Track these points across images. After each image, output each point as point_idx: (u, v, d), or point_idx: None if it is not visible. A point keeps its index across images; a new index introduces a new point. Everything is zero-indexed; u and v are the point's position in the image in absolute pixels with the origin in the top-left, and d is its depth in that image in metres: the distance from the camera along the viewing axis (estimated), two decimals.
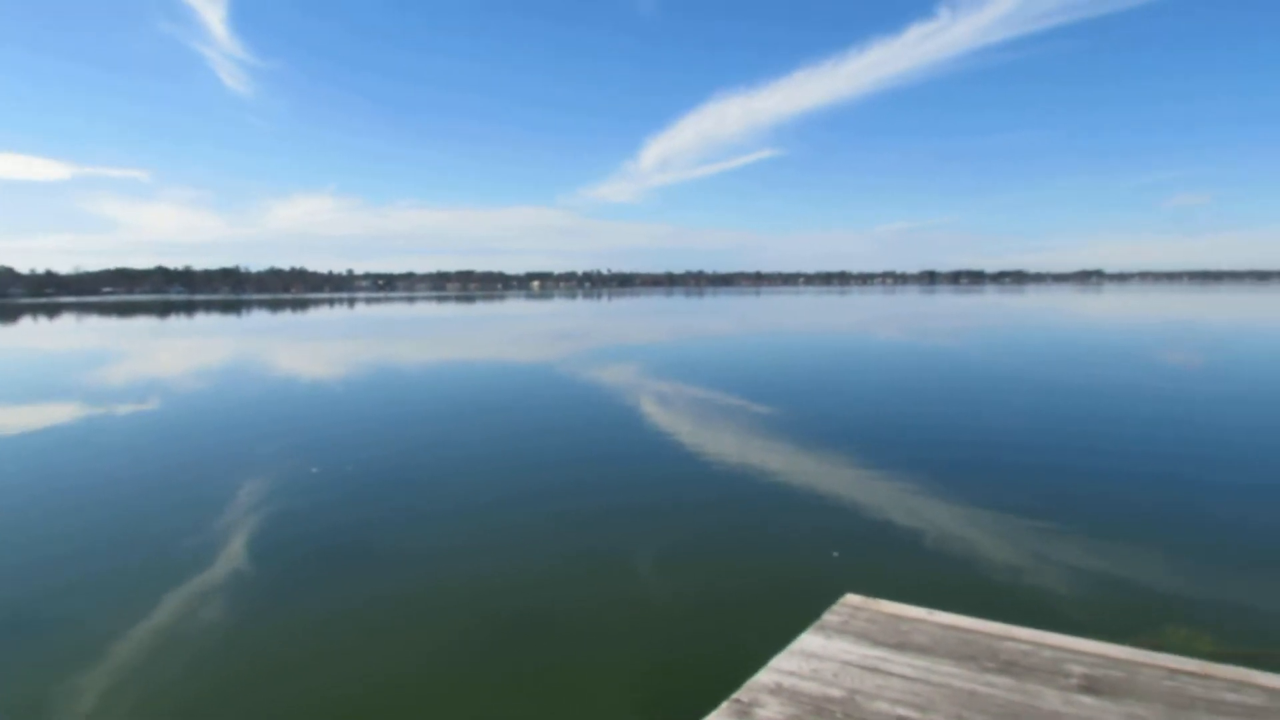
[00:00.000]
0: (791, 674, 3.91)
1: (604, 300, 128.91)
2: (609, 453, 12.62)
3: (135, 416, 16.62)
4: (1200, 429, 13.78)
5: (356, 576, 7.45)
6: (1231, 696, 3.68)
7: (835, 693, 3.72)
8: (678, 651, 5.79)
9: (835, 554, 7.54)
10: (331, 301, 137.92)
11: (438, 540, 8.45)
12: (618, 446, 13.12)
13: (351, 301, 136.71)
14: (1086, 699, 3.65)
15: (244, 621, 6.50)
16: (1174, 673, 3.91)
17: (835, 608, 4.71)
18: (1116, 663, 4.01)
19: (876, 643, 4.23)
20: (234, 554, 7.97)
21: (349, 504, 9.80)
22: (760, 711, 3.59)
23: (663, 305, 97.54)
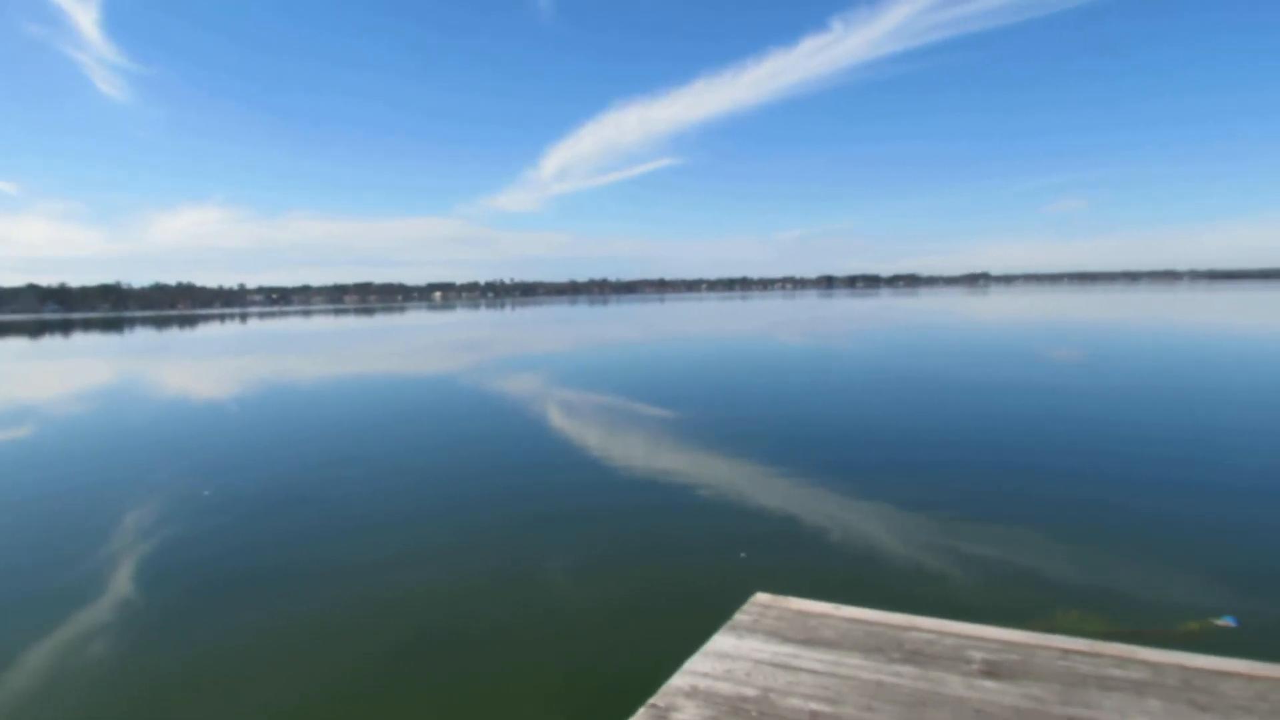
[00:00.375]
0: (706, 675, 3.94)
1: (508, 310, 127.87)
2: (518, 464, 12.50)
3: (5, 446, 15.64)
4: (1084, 422, 14.48)
5: (255, 601, 7.17)
6: (1118, 672, 3.88)
7: (749, 691, 3.77)
8: (594, 659, 5.77)
9: (743, 555, 7.64)
10: (223, 317, 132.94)
11: (342, 558, 8.21)
12: (527, 457, 13.00)
13: (244, 317, 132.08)
14: (988, 683, 3.79)
15: (131, 657, 6.17)
16: (1066, 653, 4.09)
17: (745, 607, 4.77)
18: (1014, 646, 4.18)
19: (786, 639, 4.31)
20: (120, 585, 7.58)
21: (246, 526, 9.44)
22: (677, 715, 3.60)
23: (568, 314, 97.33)
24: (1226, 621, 5.77)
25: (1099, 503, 9.16)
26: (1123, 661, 3.99)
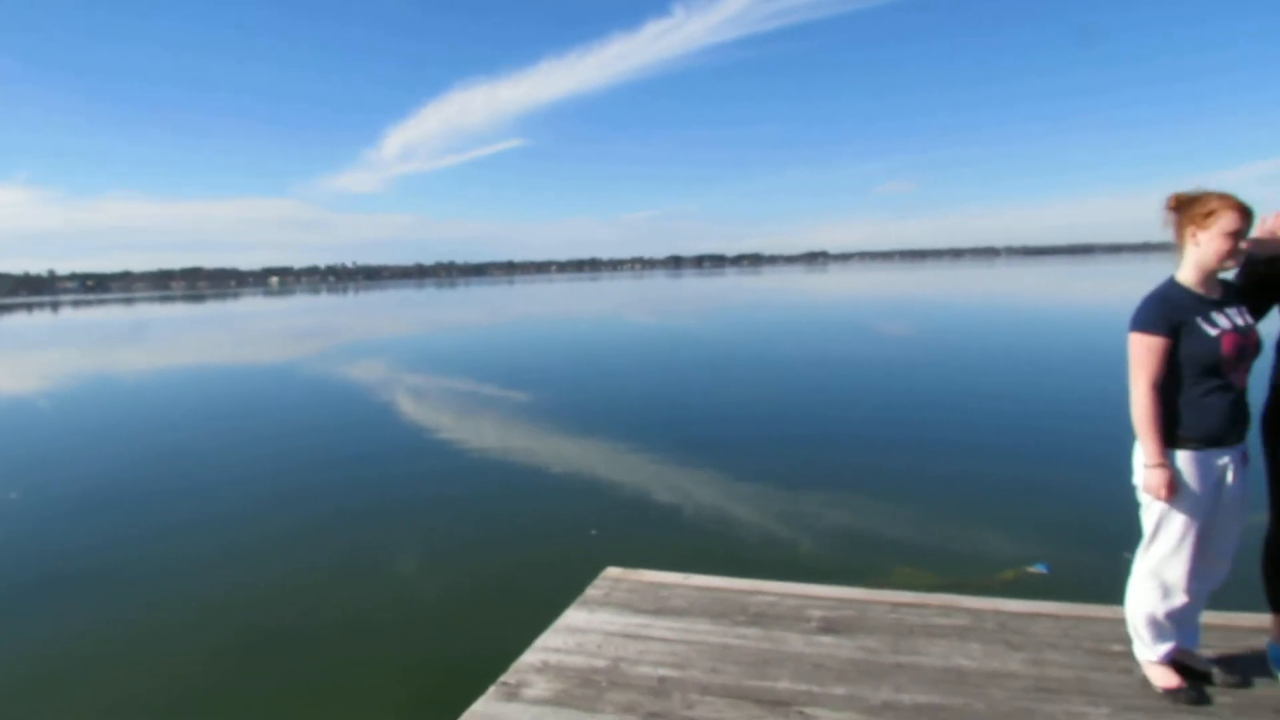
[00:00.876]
0: (557, 650, 3.96)
1: (351, 295, 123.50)
2: (364, 452, 12.12)
3: None
4: (911, 392, 15.37)
5: (75, 606, 6.65)
6: (942, 620, 4.15)
7: (600, 663, 3.81)
8: (445, 645, 5.70)
9: (593, 532, 7.71)
10: (29, 307, 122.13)
11: (172, 557, 7.73)
12: (373, 445, 12.62)
13: (55, 306, 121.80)
14: (825, 638, 3.98)
15: None
16: (897, 606, 4.34)
17: (597, 582, 4.81)
18: (850, 603, 4.40)
19: (637, 610, 4.38)
20: None
21: (62, 528, 8.74)
22: (528, 691, 3.60)
23: (415, 298, 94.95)
24: (1039, 569, 6.29)
25: (927, 467, 9.76)
26: (947, 610, 4.27)
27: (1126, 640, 3.58)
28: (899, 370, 18.29)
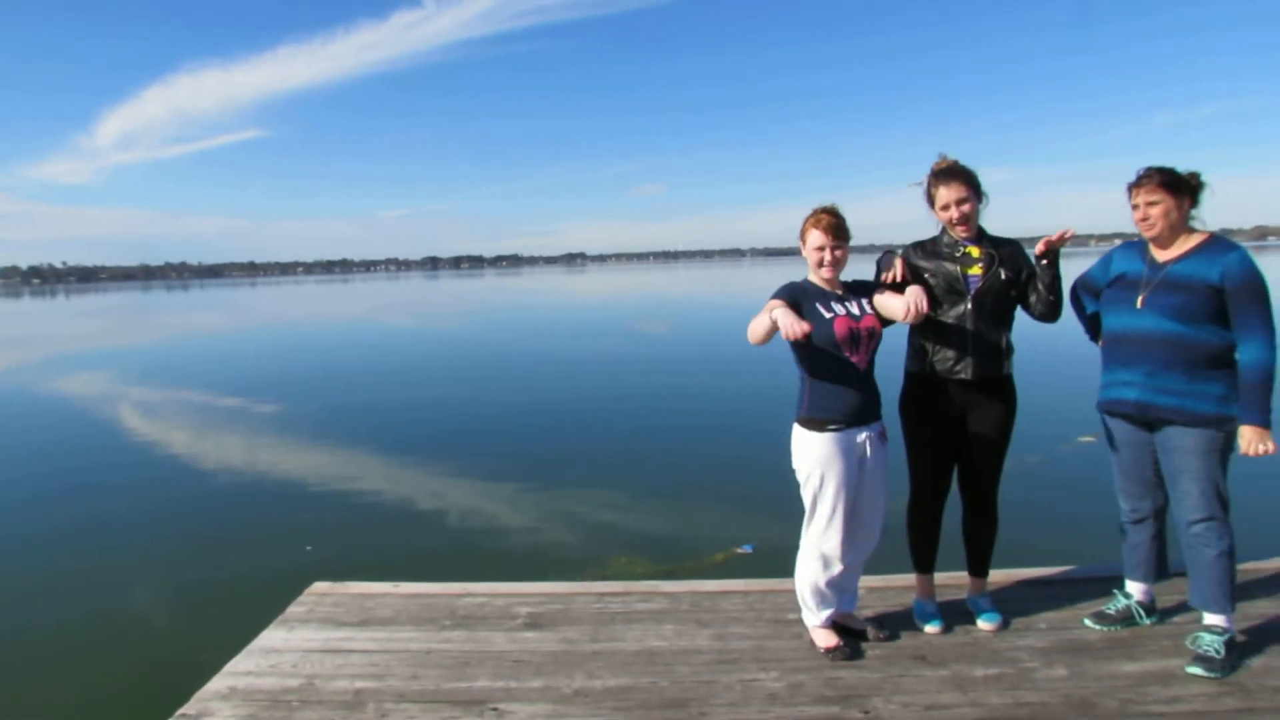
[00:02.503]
0: (247, 674, 3.76)
1: (61, 299, 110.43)
2: (68, 466, 10.87)
3: None
4: (655, 387, 16.00)
5: None
6: (643, 605, 4.35)
7: (293, 682, 3.66)
8: (132, 676, 5.23)
9: (309, 547, 7.38)
10: None
11: None
12: (80, 460, 11.35)
13: None
14: (528, 634, 4.05)
15: None
16: (601, 596, 4.50)
17: (300, 598, 4.62)
18: (557, 597, 4.51)
19: (341, 624, 4.24)
20: None
21: None
22: None
23: (140, 302, 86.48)
24: (746, 549, 6.76)
25: (655, 458, 10.21)
26: (648, 596, 4.49)
27: (800, 609, 3.92)
28: (638, 366, 18.98)
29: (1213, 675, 3.37)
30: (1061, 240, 3.66)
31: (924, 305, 3.44)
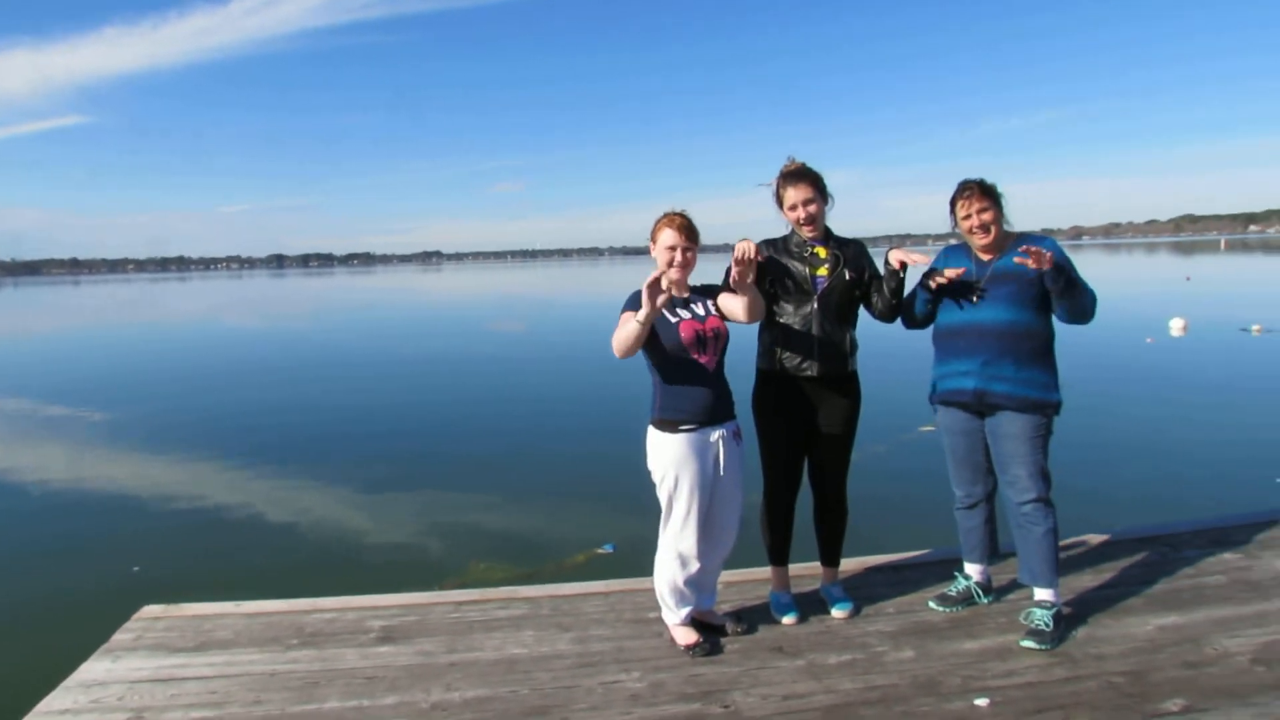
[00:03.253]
0: (64, 713, 3.44)
1: None
2: None
3: None
4: (518, 389, 15.81)
5: None
6: (502, 613, 4.26)
7: (119, 718, 3.38)
8: None
9: (136, 568, 6.87)
10: None
11: None
12: None
13: None
14: (383, 648, 3.90)
15: None
16: (459, 605, 4.38)
17: (127, 624, 4.27)
18: (412, 609, 4.35)
19: (175, 650, 3.95)
20: None
21: None
22: None
23: None
24: (606, 549, 6.75)
25: (514, 460, 10.08)
26: (507, 602, 4.40)
27: (660, 608, 3.93)
28: (494, 367, 18.75)
29: (1044, 647, 3.60)
30: (908, 265, 3.87)
31: (751, 251, 3.54)
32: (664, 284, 3.56)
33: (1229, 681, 3.29)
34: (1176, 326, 20.85)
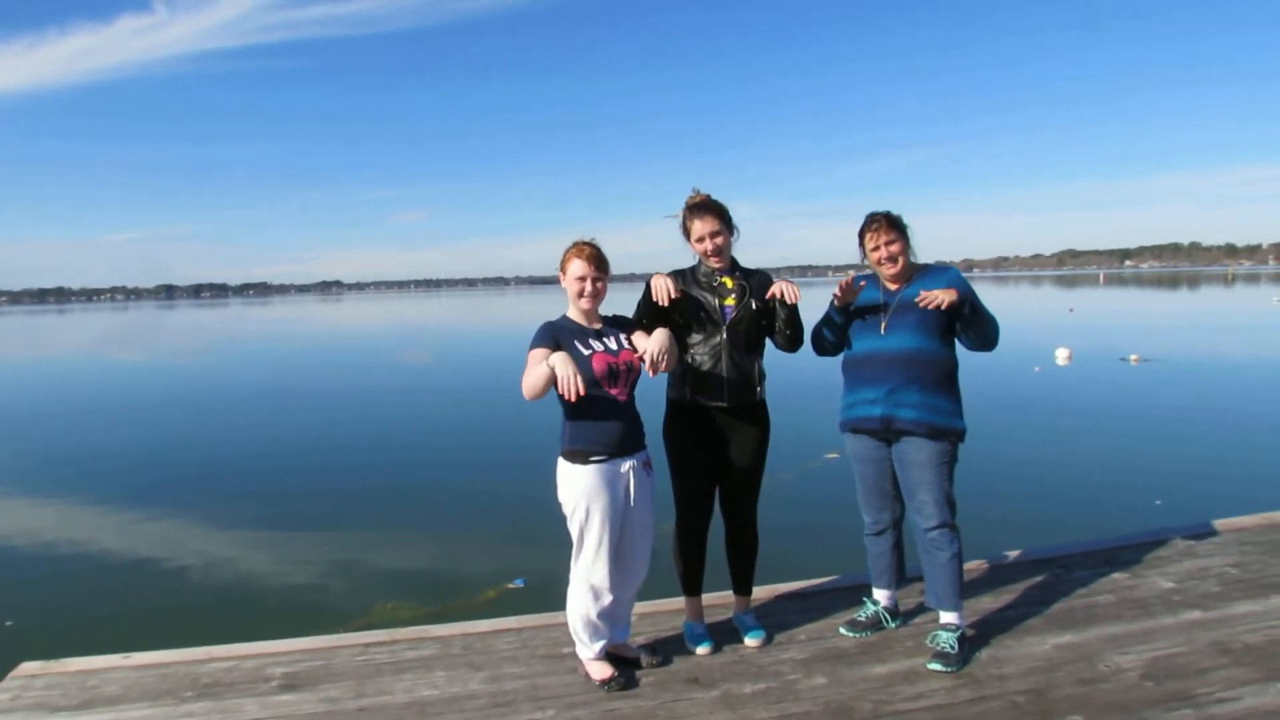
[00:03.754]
0: None
1: None
2: None
3: None
4: (426, 421, 15.48)
5: None
6: (411, 653, 4.14)
7: None
8: None
9: (9, 623, 6.43)
10: None
11: None
12: None
13: None
14: (285, 696, 3.73)
15: None
16: (366, 647, 4.24)
17: (2, 685, 3.98)
18: (317, 653, 4.19)
19: (56, 710, 3.70)
20: None
21: None
22: None
23: None
24: (518, 584, 6.65)
25: (418, 494, 9.88)
26: (417, 643, 4.27)
27: (573, 643, 3.87)
28: (399, 398, 18.36)
29: (949, 669, 3.69)
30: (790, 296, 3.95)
31: (663, 364, 3.59)
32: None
33: (1121, 697, 3.43)
34: (1062, 356, 21.91)
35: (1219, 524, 5.60)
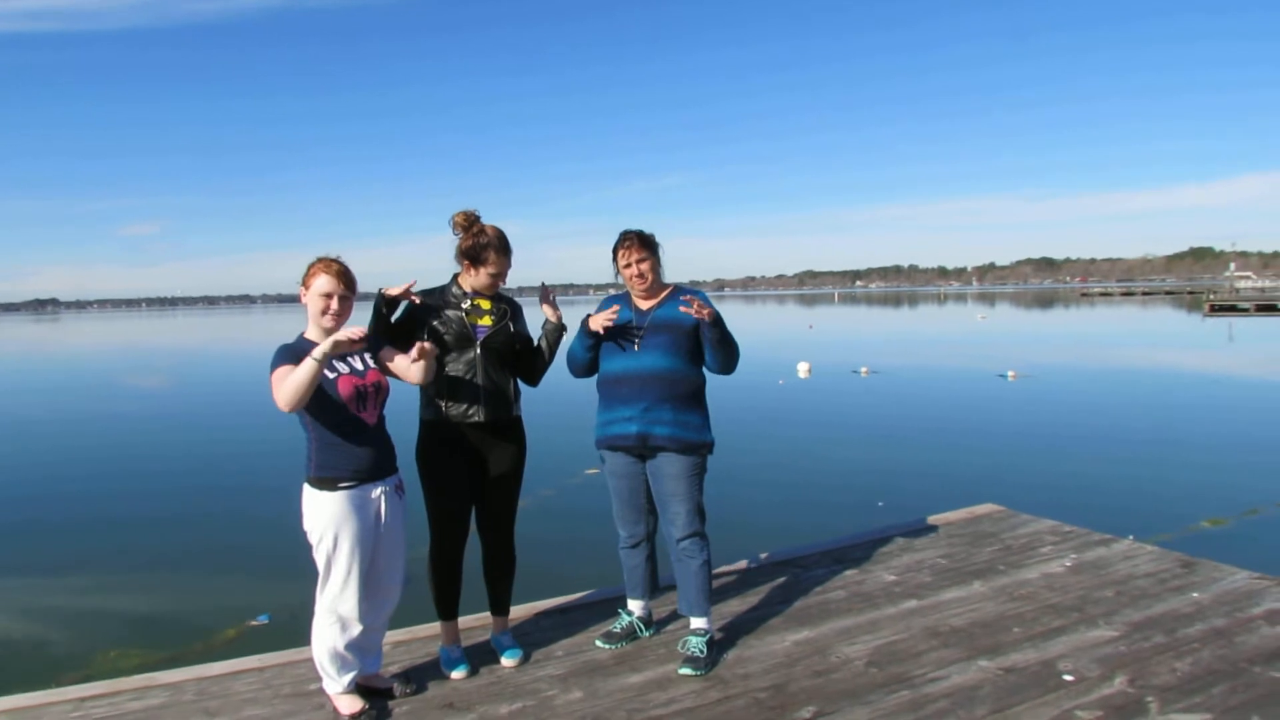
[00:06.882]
0: None
1: None
2: None
3: None
4: (156, 449, 14.14)
5: None
6: (136, 704, 3.77)
7: None
8: None
9: None
10: None
11: None
12: None
13: None
14: None
15: None
16: (82, 702, 3.81)
17: None
18: (21, 713, 3.72)
19: None
20: None
21: None
22: None
23: None
24: (261, 620, 6.23)
25: (148, 528, 9.09)
26: (142, 692, 3.89)
27: (320, 678, 3.69)
28: (124, 425, 16.70)
29: (699, 673, 3.87)
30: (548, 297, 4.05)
31: (430, 354, 3.53)
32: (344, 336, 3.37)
33: (849, 685, 3.75)
34: (802, 369, 23.67)
35: (932, 519, 6.27)
